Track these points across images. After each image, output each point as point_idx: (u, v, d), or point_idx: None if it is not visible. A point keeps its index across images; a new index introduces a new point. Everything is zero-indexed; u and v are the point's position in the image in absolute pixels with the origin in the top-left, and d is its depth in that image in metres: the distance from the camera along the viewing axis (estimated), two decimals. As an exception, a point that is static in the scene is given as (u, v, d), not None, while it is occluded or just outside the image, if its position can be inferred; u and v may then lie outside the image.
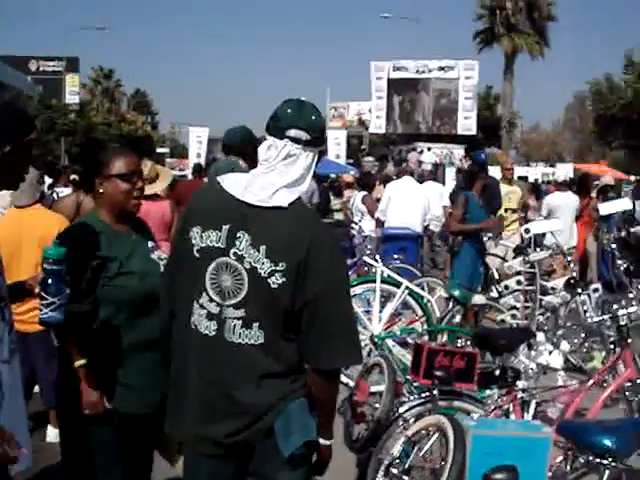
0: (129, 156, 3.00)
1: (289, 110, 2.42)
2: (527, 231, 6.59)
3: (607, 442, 2.64)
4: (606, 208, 5.98)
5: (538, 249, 7.04)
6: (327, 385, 2.44)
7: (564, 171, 30.30)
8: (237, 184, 2.44)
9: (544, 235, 9.82)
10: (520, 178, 20.38)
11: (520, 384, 4.29)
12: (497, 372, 4.12)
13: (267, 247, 2.34)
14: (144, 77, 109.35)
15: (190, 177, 16.64)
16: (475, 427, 2.95)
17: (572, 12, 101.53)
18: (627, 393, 4.45)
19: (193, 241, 2.43)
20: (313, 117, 2.44)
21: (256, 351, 2.37)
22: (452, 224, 7.88)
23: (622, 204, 5.92)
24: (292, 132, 2.38)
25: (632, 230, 6.57)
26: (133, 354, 2.89)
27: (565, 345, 5.11)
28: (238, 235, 2.37)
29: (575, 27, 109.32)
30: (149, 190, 5.05)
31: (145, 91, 64.35)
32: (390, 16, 39.92)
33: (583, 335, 6.50)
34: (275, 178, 2.40)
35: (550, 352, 4.63)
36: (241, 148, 4.77)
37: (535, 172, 33.94)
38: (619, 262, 5.18)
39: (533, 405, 4.48)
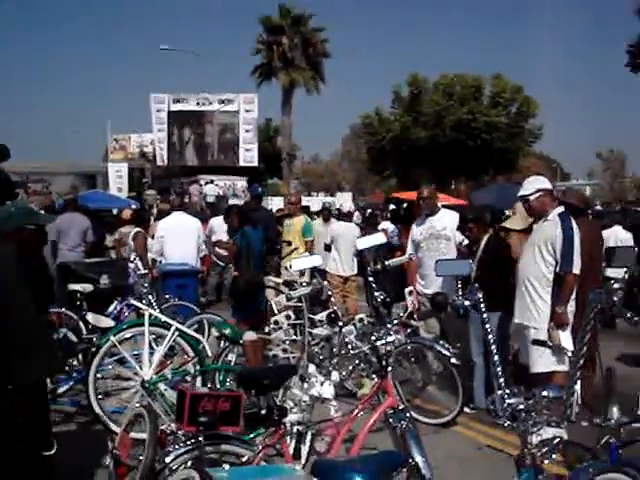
0: None
1: None
2: (290, 267, 6.73)
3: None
4: (362, 243, 6.23)
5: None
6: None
7: (344, 200, 31.61)
8: None
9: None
10: (302, 208, 20.92)
11: (291, 419, 4.31)
12: (263, 412, 4.10)
13: None
14: None
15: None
16: (226, 478, 2.89)
17: (345, 49, 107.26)
18: (390, 421, 4.61)
19: None
20: None
21: None
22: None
23: (377, 238, 6.19)
24: None
25: (387, 262, 6.92)
26: None
27: (335, 375, 5.21)
28: None
29: (349, 63, 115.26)
30: None
31: None
32: (169, 48, 39.68)
33: (356, 362, 6.72)
34: None
35: (322, 383, 4.71)
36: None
37: (317, 202, 35.12)
38: (376, 294, 5.39)
39: (309, 438, 4.53)
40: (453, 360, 6.36)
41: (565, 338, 5.88)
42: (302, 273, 8.38)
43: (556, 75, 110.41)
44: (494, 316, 6.73)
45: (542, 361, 5.96)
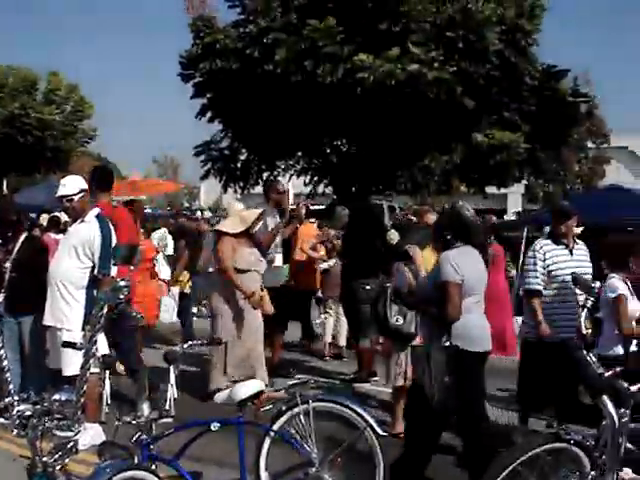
0: None
1: None
2: None
3: None
4: None
5: None
6: None
7: None
8: None
9: None
10: None
11: None
12: None
13: None
14: None
15: None
16: None
17: None
18: None
19: None
20: None
21: None
22: None
23: None
24: None
25: None
26: None
27: None
28: None
29: None
30: None
31: None
32: None
33: None
34: None
35: None
36: None
37: None
38: None
39: None
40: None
41: (101, 340, 5.91)
42: None
43: (114, 77, 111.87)
44: (28, 318, 6.53)
45: (74, 364, 5.89)
